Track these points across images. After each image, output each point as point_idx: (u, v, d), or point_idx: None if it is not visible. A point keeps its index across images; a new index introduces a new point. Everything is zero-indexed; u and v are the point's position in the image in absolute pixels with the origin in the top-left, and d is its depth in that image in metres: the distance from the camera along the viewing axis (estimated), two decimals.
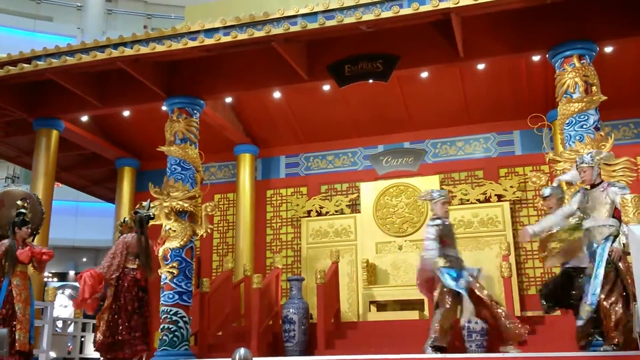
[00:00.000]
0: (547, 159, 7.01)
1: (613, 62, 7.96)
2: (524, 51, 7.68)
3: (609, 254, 5.52)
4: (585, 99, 6.87)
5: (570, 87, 6.97)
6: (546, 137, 7.07)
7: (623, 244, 5.50)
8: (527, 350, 6.60)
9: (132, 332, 6.83)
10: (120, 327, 6.82)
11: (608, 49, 7.55)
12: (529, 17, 7.29)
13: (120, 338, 6.78)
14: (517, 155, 9.85)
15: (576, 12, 7.10)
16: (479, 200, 9.68)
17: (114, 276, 7.01)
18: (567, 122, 6.95)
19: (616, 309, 5.44)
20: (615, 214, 5.66)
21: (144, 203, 7.64)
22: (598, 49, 7.22)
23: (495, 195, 9.65)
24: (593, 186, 5.84)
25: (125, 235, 7.45)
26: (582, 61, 7.03)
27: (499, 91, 9.32)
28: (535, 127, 7.09)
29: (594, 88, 6.95)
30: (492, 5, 6.73)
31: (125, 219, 7.99)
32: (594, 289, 5.47)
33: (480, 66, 8.24)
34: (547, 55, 7.39)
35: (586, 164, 5.87)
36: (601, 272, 5.47)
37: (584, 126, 6.82)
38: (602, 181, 5.86)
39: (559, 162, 6.76)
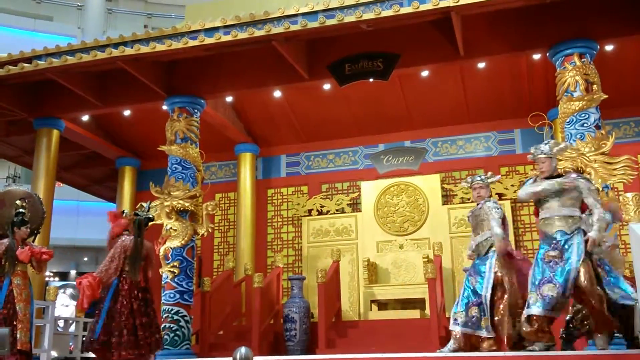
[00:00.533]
0: None
1: (614, 61, 7.95)
2: (524, 50, 7.68)
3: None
4: (586, 98, 6.87)
5: (571, 85, 6.97)
6: (547, 136, 7.03)
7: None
8: None
9: (123, 335, 6.79)
10: (115, 330, 6.81)
11: (609, 48, 7.55)
12: (529, 16, 7.29)
13: (113, 340, 6.76)
14: (518, 153, 9.84)
15: (577, 11, 7.10)
16: None
17: (111, 280, 6.97)
18: (567, 120, 6.96)
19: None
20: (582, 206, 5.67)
21: (144, 204, 7.63)
22: (599, 47, 7.23)
23: (496, 194, 9.62)
24: (550, 177, 5.79)
25: (124, 238, 7.44)
26: (582, 60, 7.03)
27: (499, 90, 9.31)
28: (536, 125, 7.06)
29: (594, 86, 6.95)
30: (492, 3, 6.73)
31: (125, 211, 7.99)
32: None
33: (481, 65, 8.24)
34: (547, 54, 7.39)
35: (544, 154, 5.83)
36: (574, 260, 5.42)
37: (585, 125, 6.83)
38: (559, 174, 5.84)
39: (560, 160, 6.75)
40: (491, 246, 6.12)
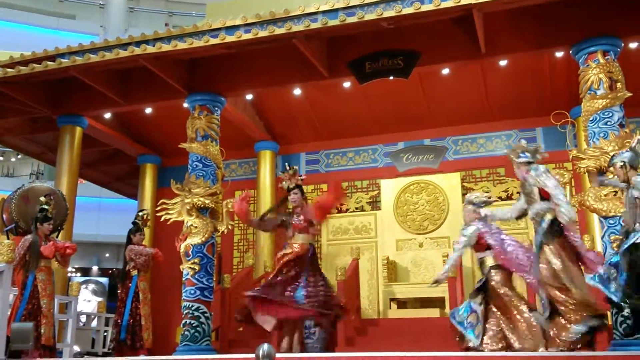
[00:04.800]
0: (571, 156, 6.93)
1: (638, 58, 7.83)
2: (546, 47, 7.60)
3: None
4: (609, 96, 6.77)
5: (595, 83, 6.88)
6: (569, 134, 6.98)
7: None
8: None
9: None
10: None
11: (633, 45, 7.43)
12: (551, 13, 7.21)
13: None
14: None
15: (600, 8, 7.01)
16: (500, 198, 9.59)
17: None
18: (591, 119, 6.86)
19: None
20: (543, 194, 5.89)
21: (140, 212, 8.19)
22: (623, 44, 7.11)
23: (517, 192, 9.53)
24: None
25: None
26: (606, 57, 6.93)
27: (521, 88, 9.22)
28: (559, 124, 7.01)
29: (618, 84, 6.85)
30: (514, 0, 6.66)
31: (143, 213, 8.30)
32: None
33: (503, 62, 8.16)
34: (570, 52, 7.30)
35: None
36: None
37: (608, 123, 6.73)
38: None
39: (583, 159, 6.67)
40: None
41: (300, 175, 7.18)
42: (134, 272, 8.13)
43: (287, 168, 7.23)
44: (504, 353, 5.68)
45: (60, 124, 9.47)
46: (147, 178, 11.50)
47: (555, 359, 5.31)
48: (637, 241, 5.47)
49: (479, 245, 6.30)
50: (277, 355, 3.69)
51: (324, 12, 8.08)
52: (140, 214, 8.62)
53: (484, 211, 6.45)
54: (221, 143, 8.44)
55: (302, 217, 6.96)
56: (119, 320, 7.93)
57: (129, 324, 7.83)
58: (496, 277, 6.12)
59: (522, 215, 6.46)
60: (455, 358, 5.90)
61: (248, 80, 8.57)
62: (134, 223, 8.43)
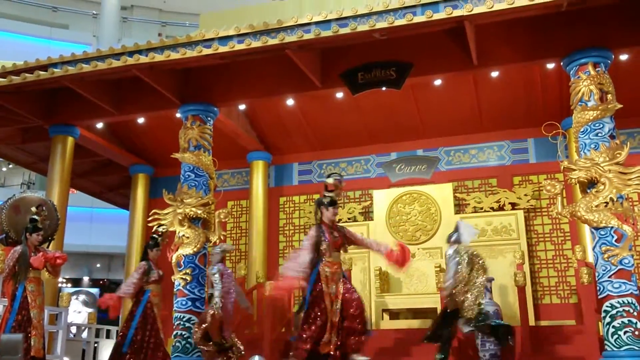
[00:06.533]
0: (562, 167, 6.95)
1: (629, 70, 7.90)
2: (538, 59, 7.65)
3: None
4: (600, 107, 6.81)
5: (585, 95, 6.91)
6: (561, 145, 7.00)
7: None
8: None
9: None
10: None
11: (623, 57, 7.49)
12: (543, 25, 7.26)
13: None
14: (532, 163, 9.80)
15: (591, 20, 7.06)
16: (492, 209, 9.63)
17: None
18: (582, 130, 6.89)
19: None
20: None
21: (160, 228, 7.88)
22: (613, 56, 7.17)
23: (509, 203, 9.59)
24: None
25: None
26: (597, 69, 6.97)
27: (513, 99, 9.27)
28: (550, 135, 7.03)
29: (609, 96, 6.89)
30: (506, 12, 6.71)
31: (163, 228, 7.98)
32: None
33: (494, 74, 8.21)
34: (561, 63, 7.35)
35: None
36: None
37: (599, 134, 6.76)
38: None
39: (574, 170, 6.69)
40: None
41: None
42: (147, 287, 7.73)
43: (339, 177, 6.37)
44: None
45: (52, 134, 9.44)
46: (139, 188, 11.47)
47: None
48: None
49: None
50: None
51: (317, 23, 8.13)
52: (160, 229, 8.05)
53: None
54: (214, 153, 8.43)
55: (337, 234, 6.19)
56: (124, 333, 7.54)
57: (134, 340, 7.41)
58: None
59: None
60: None
61: (241, 90, 8.58)
62: (152, 238, 8.00)
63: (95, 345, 9.84)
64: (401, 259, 6.20)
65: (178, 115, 8.62)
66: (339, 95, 8.71)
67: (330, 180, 6.28)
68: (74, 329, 9.98)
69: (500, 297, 8.54)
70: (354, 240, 6.32)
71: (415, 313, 8.95)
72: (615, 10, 7.01)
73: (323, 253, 6.00)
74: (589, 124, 6.82)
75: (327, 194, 6.22)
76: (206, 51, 7.62)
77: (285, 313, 8.91)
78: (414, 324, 8.57)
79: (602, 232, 6.46)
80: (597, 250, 6.54)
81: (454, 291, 6.49)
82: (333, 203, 6.13)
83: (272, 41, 7.31)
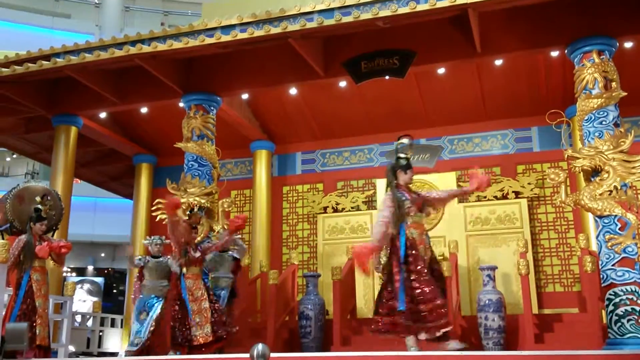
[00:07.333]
0: (566, 156, 6.94)
1: (633, 58, 7.85)
2: (542, 47, 7.61)
3: None
4: (604, 95, 6.79)
5: (590, 82, 6.89)
6: (565, 134, 6.99)
7: None
8: (544, 348, 6.56)
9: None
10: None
11: (628, 45, 7.45)
12: (547, 13, 7.22)
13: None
14: (535, 151, 9.77)
15: (595, 8, 7.02)
16: (496, 197, 9.62)
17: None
18: (586, 118, 6.87)
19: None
20: None
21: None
22: (618, 44, 7.13)
23: (513, 192, 9.58)
24: None
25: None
26: (601, 57, 6.94)
27: (516, 87, 9.24)
28: (554, 123, 7.01)
29: (613, 84, 6.86)
30: (509, 0, 6.67)
31: (194, 210, 7.54)
32: None
33: (498, 62, 8.17)
34: (565, 51, 7.32)
35: None
36: None
37: (603, 122, 6.74)
38: None
39: (578, 158, 6.68)
40: None
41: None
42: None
43: (408, 141, 6.29)
44: (499, 352, 5.68)
45: (55, 124, 9.45)
46: (142, 178, 11.49)
47: (550, 358, 5.32)
48: None
49: None
50: (272, 355, 3.68)
51: (319, 11, 8.09)
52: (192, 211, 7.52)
53: None
54: (217, 143, 8.43)
55: (415, 195, 6.10)
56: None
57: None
58: None
59: None
60: (450, 357, 5.90)
61: (244, 79, 8.57)
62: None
63: (100, 333, 9.89)
64: (486, 179, 6.17)
65: (181, 104, 8.62)
66: (342, 84, 8.69)
67: (405, 141, 6.29)
68: (78, 318, 10.04)
69: (503, 285, 8.54)
70: (429, 199, 6.21)
71: None
72: None
73: (407, 212, 5.94)
74: (593, 112, 6.80)
75: (401, 157, 6.21)
76: (209, 40, 7.60)
77: (289, 302, 8.94)
78: None
79: (606, 221, 6.46)
80: (600, 238, 6.54)
81: None
82: (409, 166, 6.16)
83: (274, 30, 7.29)
